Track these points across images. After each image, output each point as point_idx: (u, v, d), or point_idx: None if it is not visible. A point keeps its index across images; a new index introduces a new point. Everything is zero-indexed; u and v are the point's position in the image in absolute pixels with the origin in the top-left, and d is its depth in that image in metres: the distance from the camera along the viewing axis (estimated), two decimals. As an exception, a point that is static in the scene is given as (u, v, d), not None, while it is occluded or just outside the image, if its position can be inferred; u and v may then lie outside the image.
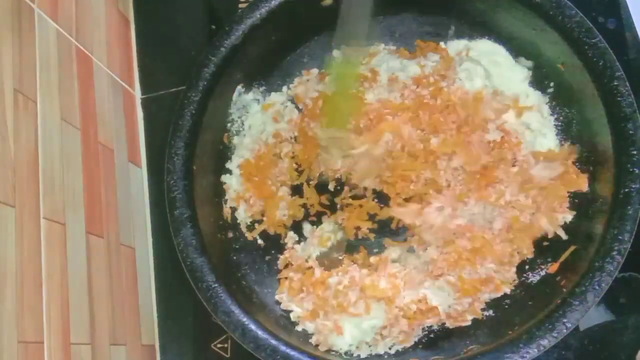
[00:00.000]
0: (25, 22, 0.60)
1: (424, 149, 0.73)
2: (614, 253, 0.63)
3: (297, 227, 0.77)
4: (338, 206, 0.76)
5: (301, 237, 0.76)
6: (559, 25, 0.69)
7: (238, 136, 0.79)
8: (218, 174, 0.78)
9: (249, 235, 0.76)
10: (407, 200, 0.74)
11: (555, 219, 0.71)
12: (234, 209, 0.77)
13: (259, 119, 0.79)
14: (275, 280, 0.75)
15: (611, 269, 0.63)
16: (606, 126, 0.68)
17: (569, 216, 0.71)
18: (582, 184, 0.71)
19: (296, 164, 0.78)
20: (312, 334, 0.71)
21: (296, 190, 0.77)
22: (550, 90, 0.75)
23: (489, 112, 0.74)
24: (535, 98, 0.76)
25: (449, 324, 0.70)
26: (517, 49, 0.76)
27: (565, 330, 0.62)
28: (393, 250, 0.74)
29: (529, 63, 0.76)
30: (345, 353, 0.70)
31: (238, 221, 0.77)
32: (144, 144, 0.83)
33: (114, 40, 0.80)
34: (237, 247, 0.76)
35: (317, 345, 0.70)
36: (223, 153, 0.78)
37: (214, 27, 0.85)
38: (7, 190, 0.53)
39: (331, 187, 0.76)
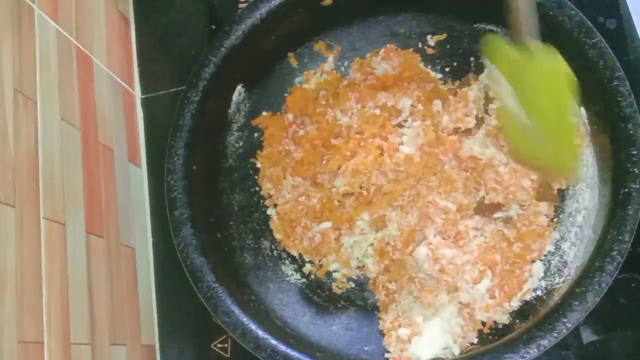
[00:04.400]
0: (25, 22, 0.60)
1: None
2: (614, 253, 0.63)
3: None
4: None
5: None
6: (559, 25, 0.69)
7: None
8: (218, 174, 0.78)
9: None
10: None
11: None
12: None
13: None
14: (275, 280, 0.76)
15: (611, 269, 0.63)
16: (606, 126, 0.68)
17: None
18: None
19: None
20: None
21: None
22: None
23: None
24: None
25: None
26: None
27: (565, 330, 0.62)
28: None
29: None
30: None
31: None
32: (144, 144, 0.83)
33: (114, 40, 0.80)
34: (237, 246, 0.76)
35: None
36: (223, 153, 0.78)
37: (214, 27, 0.85)
38: (7, 190, 0.53)
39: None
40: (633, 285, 0.71)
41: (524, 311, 0.70)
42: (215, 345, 0.75)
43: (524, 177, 0.72)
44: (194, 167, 0.72)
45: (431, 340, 0.68)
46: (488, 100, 0.76)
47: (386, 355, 0.70)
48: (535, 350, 0.62)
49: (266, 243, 0.77)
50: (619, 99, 0.66)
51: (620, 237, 0.63)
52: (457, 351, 0.68)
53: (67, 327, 0.60)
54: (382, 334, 0.71)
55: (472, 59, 0.78)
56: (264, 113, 0.80)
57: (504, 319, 0.69)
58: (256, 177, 0.79)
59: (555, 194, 0.72)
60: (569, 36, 0.69)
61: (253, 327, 0.66)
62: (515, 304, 0.70)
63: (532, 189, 0.72)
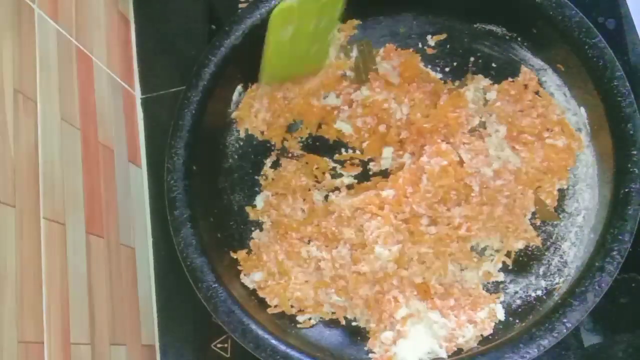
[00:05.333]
0: (25, 22, 0.60)
1: None
2: (614, 253, 0.63)
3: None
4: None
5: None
6: (559, 25, 0.69)
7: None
8: (218, 174, 0.78)
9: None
10: None
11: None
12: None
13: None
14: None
15: (611, 269, 0.63)
16: (606, 126, 0.68)
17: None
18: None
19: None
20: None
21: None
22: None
23: None
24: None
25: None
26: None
27: (565, 330, 0.62)
28: None
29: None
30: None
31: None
32: (144, 144, 0.83)
33: (114, 40, 0.80)
34: (237, 246, 0.76)
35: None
36: (223, 153, 0.78)
37: (214, 27, 0.85)
38: (7, 190, 0.53)
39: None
40: (633, 285, 0.71)
41: (524, 311, 0.70)
42: (215, 345, 0.75)
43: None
44: (194, 167, 0.72)
45: (415, 343, 0.68)
46: (487, 101, 0.76)
47: (370, 355, 0.70)
48: (535, 350, 0.62)
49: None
50: (619, 99, 0.66)
51: (620, 237, 0.63)
52: (443, 355, 0.68)
53: (67, 327, 0.60)
54: (368, 336, 0.71)
55: (472, 59, 0.78)
56: (264, 113, 0.80)
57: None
58: (256, 177, 0.79)
59: (553, 212, 0.73)
60: (569, 36, 0.69)
61: (253, 327, 0.66)
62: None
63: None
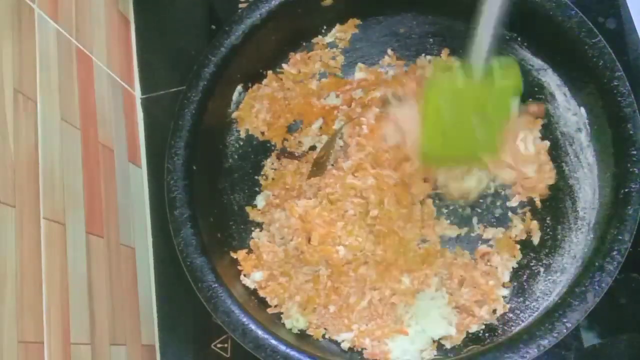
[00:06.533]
0: (25, 22, 0.60)
1: None
2: (614, 253, 0.63)
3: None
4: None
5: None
6: (559, 25, 0.69)
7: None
8: (218, 174, 0.78)
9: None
10: None
11: None
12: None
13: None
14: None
15: (611, 269, 0.63)
16: (606, 126, 0.68)
17: None
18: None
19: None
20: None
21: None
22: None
23: None
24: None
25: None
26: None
27: (565, 330, 0.62)
28: None
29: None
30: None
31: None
32: (144, 144, 0.83)
33: (114, 40, 0.80)
34: (237, 246, 0.76)
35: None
36: (223, 153, 0.78)
37: (214, 27, 0.85)
38: (7, 190, 0.53)
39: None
40: (633, 285, 0.71)
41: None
42: (215, 345, 0.75)
43: None
44: (194, 167, 0.72)
45: (408, 339, 0.69)
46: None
47: (363, 351, 0.70)
48: (535, 350, 0.62)
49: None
50: (619, 99, 0.66)
51: (620, 237, 0.63)
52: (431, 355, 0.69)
53: (67, 327, 0.60)
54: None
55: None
56: (265, 113, 0.80)
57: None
58: (256, 177, 0.79)
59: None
60: (569, 36, 0.69)
61: (253, 327, 0.66)
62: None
63: None
